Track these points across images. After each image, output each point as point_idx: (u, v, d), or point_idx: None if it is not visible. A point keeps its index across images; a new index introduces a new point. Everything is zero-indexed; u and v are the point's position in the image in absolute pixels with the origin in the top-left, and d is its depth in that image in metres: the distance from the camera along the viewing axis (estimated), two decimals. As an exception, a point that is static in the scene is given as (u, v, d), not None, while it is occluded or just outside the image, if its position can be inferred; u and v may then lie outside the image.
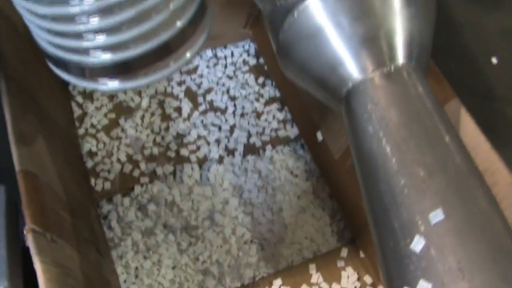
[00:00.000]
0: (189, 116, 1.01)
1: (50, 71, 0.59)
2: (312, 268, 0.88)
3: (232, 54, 1.10)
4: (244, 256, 0.88)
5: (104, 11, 0.49)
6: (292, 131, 1.02)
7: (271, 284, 0.86)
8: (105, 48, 0.52)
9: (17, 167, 0.61)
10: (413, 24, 0.56)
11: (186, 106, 1.02)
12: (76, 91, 1.01)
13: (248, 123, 1.02)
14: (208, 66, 1.08)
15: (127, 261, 0.86)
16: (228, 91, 1.05)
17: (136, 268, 0.85)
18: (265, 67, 1.09)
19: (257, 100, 1.05)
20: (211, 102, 1.03)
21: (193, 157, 0.96)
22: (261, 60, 1.10)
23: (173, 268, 0.86)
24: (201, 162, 0.96)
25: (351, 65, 0.55)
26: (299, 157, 1.00)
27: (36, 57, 0.65)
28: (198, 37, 0.58)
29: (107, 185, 0.92)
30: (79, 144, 0.95)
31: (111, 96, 1.01)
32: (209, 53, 1.09)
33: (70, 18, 0.50)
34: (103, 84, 0.56)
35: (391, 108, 0.53)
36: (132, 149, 0.96)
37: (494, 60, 1.10)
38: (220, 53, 1.10)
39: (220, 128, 1.00)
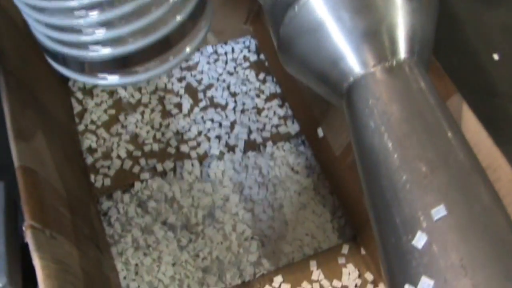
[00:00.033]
0: (189, 112, 1.01)
1: (49, 67, 0.59)
2: (313, 265, 0.87)
3: (233, 50, 1.10)
4: (244, 253, 0.88)
5: (103, 5, 0.49)
6: (293, 127, 1.01)
7: (271, 281, 0.85)
8: (104, 42, 0.52)
9: (16, 163, 0.60)
10: (415, 18, 0.55)
11: (187, 102, 1.01)
12: (76, 87, 1.00)
13: (249, 119, 1.01)
14: (208, 62, 1.07)
15: (127, 258, 0.85)
16: (228, 87, 1.05)
17: (136, 265, 0.85)
18: (266, 63, 1.09)
19: (258, 96, 1.04)
20: (211, 98, 1.03)
21: (193, 154, 0.96)
22: (262, 56, 1.09)
23: (173, 265, 0.86)
24: (202, 159, 0.96)
25: (352, 60, 0.55)
26: (300, 154, 0.99)
27: (35, 52, 0.65)
28: (198, 32, 0.57)
29: (107, 181, 0.91)
30: (79, 140, 0.95)
31: (111, 92, 1.01)
32: (209, 49, 1.09)
33: (69, 12, 0.49)
34: (103, 79, 0.55)
35: (392, 103, 0.52)
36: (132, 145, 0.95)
37: (495, 57, 1.09)
38: (220, 49, 1.09)
39: (220, 125, 1.00)
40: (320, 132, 0.92)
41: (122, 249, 0.86)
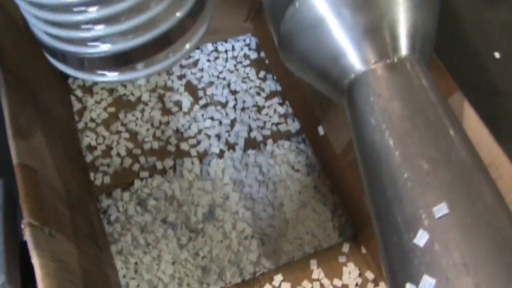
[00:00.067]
0: (189, 110, 1.00)
1: (49, 65, 0.59)
2: (313, 263, 0.87)
3: (233, 48, 1.09)
4: (244, 252, 0.88)
5: (102, 1, 0.48)
6: (293, 126, 1.01)
7: (271, 279, 0.85)
8: (103, 38, 0.51)
9: (14, 160, 0.60)
10: (417, 14, 0.55)
11: (187, 100, 1.01)
12: (76, 85, 1.00)
13: (249, 117, 1.01)
14: (208, 60, 1.07)
15: (127, 256, 0.85)
16: (228, 85, 1.04)
17: (136, 263, 0.85)
18: (266, 61, 1.08)
19: (258, 94, 1.04)
20: (211, 96, 1.03)
21: (193, 152, 0.95)
22: (262, 54, 1.09)
23: (173, 263, 0.85)
24: (202, 157, 0.96)
25: (353, 56, 0.55)
26: (300, 152, 0.99)
27: (35, 50, 0.64)
28: (197, 29, 0.57)
29: (107, 179, 0.91)
30: (78, 138, 0.95)
31: (111, 90, 1.00)
32: (209, 47, 1.09)
33: (68, 8, 0.49)
34: (102, 75, 0.55)
35: (394, 100, 0.52)
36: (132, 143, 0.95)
37: (497, 55, 1.09)
38: (220, 47, 1.09)
39: (220, 123, 1.00)
40: (321, 130, 0.91)
41: (121, 248, 0.86)
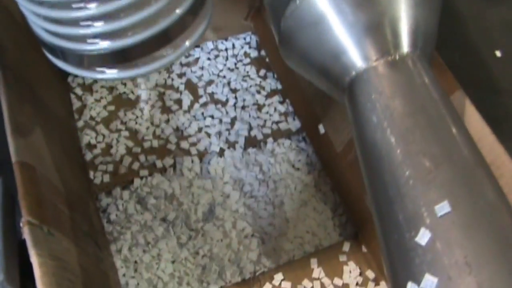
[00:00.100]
0: (189, 108, 1.00)
1: (48, 63, 0.58)
2: (314, 262, 0.87)
3: (233, 46, 1.09)
4: (244, 250, 0.87)
5: (101, -3, 0.48)
6: (294, 124, 1.01)
7: (272, 278, 0.85)
8: (103, 35, 0.51)
9: (13, 158, 0.60)
10: (418, 11, 0.55)
11: (187, 99, 1.01)
12: (76, 83, 1.00)
13: (249, 115, 1.00)
14: (209, 58, 1.07)
15: (126, 255, 0.85)
16: (229, 83, 1.04)
17: (135, 262, 0.84)
18: (267, 59, 1.08)
19: (258, 92, 1.04)
20: (211, 95, 1.02)
21: (193, 150, 0.95)
22: (263, 52, 1.09)
23: (173, 262, 0.85)
24: (202, 155, 0.95)
25: (354, 54, 0.54)
26: (301, 150, 0.98)
27: (34, 48, 0.64)
28: (197, 26, 0.57)
29: (106, 178, 0.91)
30: (78, 136, 0.94)
31: (111, 88, 1.00)
32: (210, 45, 1.08)
33: (67, 5, 0.49)
34: (101, 73, 0.55)
35: (395, 97, 0.52)
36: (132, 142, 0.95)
37: (498, 54, 1.09)
38: (221, 45, 1.09)
39: (221, 121, 0.99)
40: (321, 129, 0.91)
41: (121, 246, 0.85)
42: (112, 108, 0.98)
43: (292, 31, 0.59)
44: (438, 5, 0.57)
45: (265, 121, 1.01)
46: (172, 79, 1.03)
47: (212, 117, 0.99)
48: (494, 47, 1.09)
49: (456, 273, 0.43)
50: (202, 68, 1.05)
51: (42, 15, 0.51)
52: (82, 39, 0.52)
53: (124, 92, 1.00)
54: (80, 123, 0.96)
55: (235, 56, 1.08)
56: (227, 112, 1.00)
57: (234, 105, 1.02)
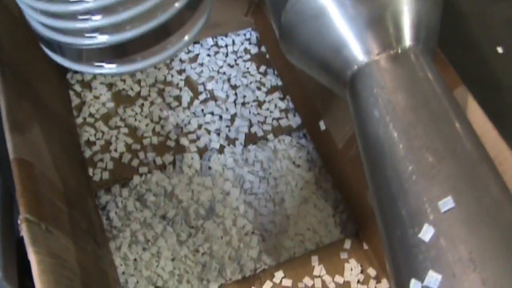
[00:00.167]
0: (189, 105, 0.99)
1: (47, 59, 0.58)
2: (315, 260, 0.86)
3: (233, 43, 1.08)
4: (245, 248, 0.87)
5: (99, -9, 0.48)
6: (294, 120, 1.00)
7: (272, 276, 0.84)
8: (101, 29, 0.50)
9: (11, 155, 0.60)
10: (421, 4, 0.54)
11: (186, 95, 1.00)
12: (74, 80, 0.99)
13: (250, 112, 1.00)
14: (208, 55, 1.06)
15: (126, 253, 0.84)
16: (229, 80, 1.04)
17: (135, 260, 0.84)
18: (267, 56, 1.07)
19: (259, 89, 1.03)
20: (211, 91, 1.02)
21: (193, 147, 0.94)
22: (263, 49, 1.08)
23: (173, 260, 0.85)
24: (202, 152, 0.95)
25: (356, 47, 0.54)
26: (302, 147, 0.98)
27: (32, 45, 0.63)
28: (197, 20, 0.56)
29: (106, 175, 0.90)
30: (77, 133, 0.94)
31: (110, 85, 1.00)
32: (209, 41, 1.08)
33: (64, -2, 0.48)
34: (100, 67, 0.54)
35: (398, 92, 0.51)
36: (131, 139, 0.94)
37: (499, 50, 1.08)
38: (221, 42, 1.08)
39: (221, 118, 0.99)
40: (322, 125, 0.90)
41: (120, 244, 0.85)
42: (111, 105, 0.98)
43: (292, 25, 0.58)
44: (440, -2, 0.57)
45: (265, 117, 1.00)
46: (172, 76, 1.02)
47: (212, 113, 0.99)
48: (496, 44, 1.09)
49: (460, 269, 0.43)
50: (202, 64, 1.05)
51: (39, 9, 0.51)
52: (80, 33, 0.51)
53: (124, 89, 0.99)
54: (79, 120, 0.95)
55: (235, 52, 1.07)
56: (227, 109, 1.00)
57: (234, 101, 1.01)
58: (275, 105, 1.02)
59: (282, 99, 1.03)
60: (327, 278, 0.85)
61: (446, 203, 0.45)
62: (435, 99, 0.51)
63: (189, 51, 1.06)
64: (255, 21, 1.08)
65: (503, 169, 0.60)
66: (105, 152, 0.93)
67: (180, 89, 1.01)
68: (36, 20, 0.53)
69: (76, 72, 0.99)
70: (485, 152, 0.50)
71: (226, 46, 1.08)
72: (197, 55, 1.06)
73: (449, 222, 0.45)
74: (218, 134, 0.97)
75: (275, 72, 1.05)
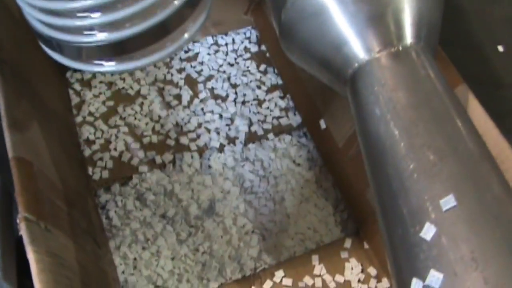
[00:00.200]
0: (189, 104, 0.99)
1: (46, 58, 0.58)
2: (315, 259, 0.86)
3: (233, 41, 1.08)
4: (245, 247, 0.86)
5: (98, -12, 0.47)
6: (295, 119, 1.00)
7: (273, 275, 0.84)
8: (100, 27, 0.50)
9: (10, 153, 0.59)
10: (422, 2, 0.54)
11: (186, 94, 1.00)
12: (74, 79, 0.99)
13: (250, 111, 1.00)
14: (208, 53, 1.06)
15: (125, 252, 0.84)
16: (229, 78, 1.03)
17: (135, 259, 0.84)
18: (267, 54, 1.07)
19: (259, 87, 1.03)
20: (211, 90, 1.01)
21: (193, 146, 0.94)
22: (263, 47, 1.08)
23: (172, 259, 0.84)
24: (201, 151, 0.94)
25: (357, 45, 0.54)
26: (302, 146, 0.98)
27: (32, 43, 0.63)
28: (196, 18, 0.56)
29: (105, 174, 0.90)
30: (76, 132, 0.93)
31: (110, 83, 0.99)
32: (209, 40, 1.07)
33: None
34: (99, 65, 0.54)
35: (399, 90, 0.51)
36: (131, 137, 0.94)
37: (500, 48, 1.08)
38: (221, 40, 1.08)
39: (221, 116, 0.98)
40: (323, 124, 0.90)
41: (120, 243, 0.84)
42: (111, 103, 0.97)
43: (293, 23, 0.58)
44: (441, -4, 0.57)
45: (265, 116, 1.00)
46: (172, 74, 1.02)
47: (212, 112, 0.99)
48: (496, 42, 1.09)
49: (462, 268, 0.43)
50: (202, 63, 1.05)
51: (38, 6, 0.50)
52: (79, 30, 0.51)
53: (123, 88, 0.99)
54: (78, 119, 0.95)
55: (235, 51, 1.07)
56: (227, 108, 0.99)
57: (234, 100, 1.01)
58: (275, 104, 1.01)
59: (282, 97, 1.02)
60: (328, 277, 0.84)
61: (448, 202, 0.45)
62: (436, 97, 0.51)
63: (189, 50, 1.06)
64: (255, 19, 1.08)
65: (504, 168, 0.60)
66: (105, 151, 0.92)
67: (180, 88, 1.01)
68: (34, 18, 0.53)
69: (75, 70, 0.99)
70: (486, 151, 0.50)
71: (226, 44, 1.07)
72: (197, 53, 1.05)
73: (451, 221, 0.45)
74: (218, 133, 0.96)
75: (275, 71, 1.05)
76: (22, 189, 0.57)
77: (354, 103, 0.55)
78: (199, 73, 1.03)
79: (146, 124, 0.96)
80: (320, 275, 0.85)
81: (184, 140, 0.94)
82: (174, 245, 0.85)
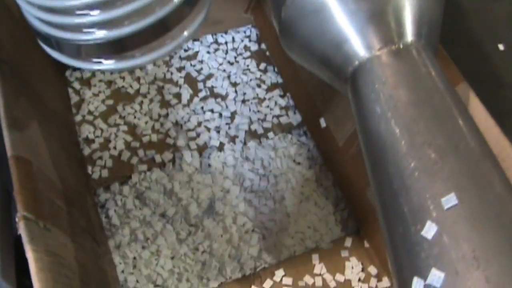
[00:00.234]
0: (189, 102, 0.99)
1: (46, 57, 0.58)
2: (315, 258, 0.86)
3: (233, 40, 1.08)
4: (245, 246, 0.86)
5: (97, -15, 0.47)
6: (295, 118, 0.99)
7: (273, 274, 0.84)
8: (99, 24, 0.50)
9: (9, 152, 0.59)
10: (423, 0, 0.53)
11: (186, 93, 1.00)
12: (73, 77, 0.99)
13: (250, 109, 0.99)
14: (208, 52, 1.06)
15: (125, 251, 0.83)
16: (229, 77, 1.03)
17: (134, 258, 0.83)
18: (267, 53, 1.07)
19: (259, 86, 1.03)
20: (211, 88, 1.01)
21: (193, 144, 0.94)
22: (263, 46, 1.08)
23: (172, 258, 0.84)
24: (201, 150, 0.94)
25: (357, 42, 0.53)
26: (302, 145, 0.97)
27: (31, 42, 0.63)
28: (196, 16, 0.56)
29: (105, 173, 0.90)
30: (76, 131, 0.93)
31: (109, 82, 0.99)
32: (209, 38, 1.07)
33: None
34: (98, 63, 0.54)
35: (399, 87, 0.51)
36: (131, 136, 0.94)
37: (501, 47, 1.08)
38: (220, 39, 1.07)
39: (220, 115, 0.98)
40: (323, 122, 0.90)
41: (119, 242, 0.84)
42: (110, 102, 0.97)
43: (293, 20, 0.58)
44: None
45: (265, 115, 0.99)
46: (171, 73, 1.02)
47: (212, 111, 0.98)
48: (497, 41, 1.09)
49: (463, 267, 0.42)
50: (201, 61, 1.04)
51: (37, 4, 0.50)
52: (78, 28, 0.50)
53: (123, 86, 0.99)
54: (78, 118, 0.95)
55: (235, 49, 1.07)
56: (227, 106, 0.99)
57: (234, 99, 1.00)
58: (275, 103, 1.01)
59: (282, 96, 1.02)
60: (328, 277, 0.84)
61: (449, 200, 0.44)
62: (437, 95, 0.50)
63: (188, 48, 1.05)
64: (255, 18, 1.08)
65: (506, 166, 0.59)
66: (104, 150, 0.92)
67: (180, 87, 1.00)
68: (33, 16, 0.53)
69: (75, 69, 0.98)
70: (488, 149, 0.49)
71: (226, 43, 1.07)
72: (197, 52, 1.05)
73: (452, 219, 0.44)
74: (218, 132, 0.96)
75: (275, 69, 1.05)
76: (21, 188, 0.57)
77: (355, 101, 0.54)
78: (199, 71, 1.03)
79: (146, 123, 0.95)
80: (320, 274, 0.84)
81: (184, 139, 0.94)
82: (174, 244, 0.85)
